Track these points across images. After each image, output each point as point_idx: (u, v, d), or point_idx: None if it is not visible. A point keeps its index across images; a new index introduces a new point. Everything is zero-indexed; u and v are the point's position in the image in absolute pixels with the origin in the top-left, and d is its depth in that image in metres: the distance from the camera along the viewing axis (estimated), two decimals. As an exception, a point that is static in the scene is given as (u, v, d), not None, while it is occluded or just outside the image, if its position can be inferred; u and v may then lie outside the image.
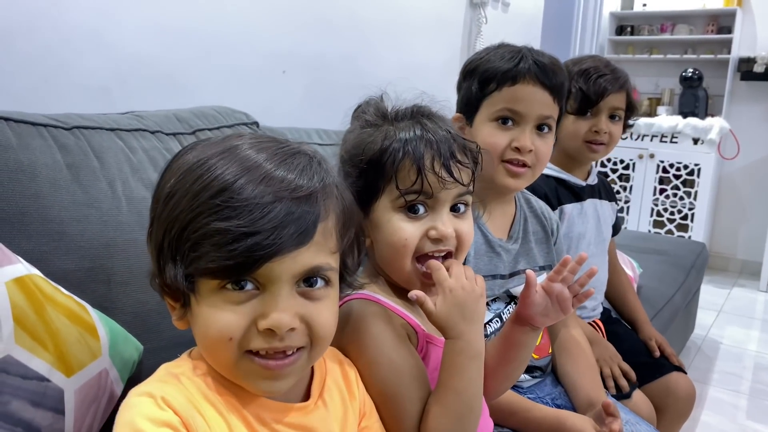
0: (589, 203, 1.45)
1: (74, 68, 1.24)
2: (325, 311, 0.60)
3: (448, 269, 0.72)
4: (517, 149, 1.01)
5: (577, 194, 1.43)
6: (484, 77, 1.03)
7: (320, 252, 0.58)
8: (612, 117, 1.40)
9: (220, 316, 0.55)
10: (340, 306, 0.74)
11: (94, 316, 0.81)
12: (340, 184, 0.64)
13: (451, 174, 0.73)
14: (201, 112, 1.26)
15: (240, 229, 0.53)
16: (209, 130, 1.21)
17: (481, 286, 0.73)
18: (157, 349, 0.93)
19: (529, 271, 0.80)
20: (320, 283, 0.60)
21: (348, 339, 0.72)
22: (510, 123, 1.02)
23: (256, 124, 1.36)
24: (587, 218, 1.43)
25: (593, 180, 1.49)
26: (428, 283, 0.73)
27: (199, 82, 1.49)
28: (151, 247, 0.59)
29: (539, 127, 1.03)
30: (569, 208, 1.39)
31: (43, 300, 0.73)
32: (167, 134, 1.13)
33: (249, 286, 0.56)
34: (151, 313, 0.94)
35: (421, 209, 0.74)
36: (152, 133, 1.10)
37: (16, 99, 1.11)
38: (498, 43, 1.08)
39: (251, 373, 0.57)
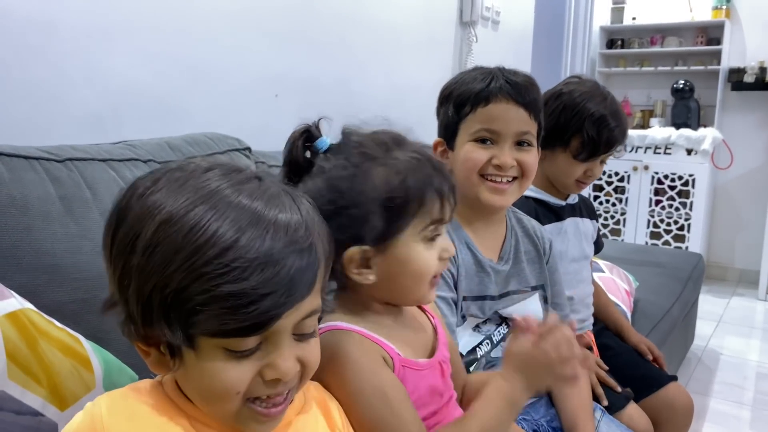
0: (570, 222, 1.46)
1: (66, 99, 1.25)
2: (315, 348, 0.61)
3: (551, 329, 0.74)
4: (499, 167, 1.02)
5: (557, 214, 1.44)
6: (458, 101, 1.05)
7: (316, 296, 0.59)
8: (602, 161, 1.42)
9: (227, 373, 0.54)
10: None
11: (88, 347, 0.81)
12: (315, 209, 0.62)
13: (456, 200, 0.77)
14: (193, 139, 1.27)
15: (256, 291, 0.51)
16: (201, 157, 1.22)
17: (571, 363, 0.74)
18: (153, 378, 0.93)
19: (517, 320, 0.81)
20: (311, 330, 0.60)
21: (327, 372, 0.71)
22: (488, 143, 1.03)
23: (249, 149, 1.37)
24: (567, 236, 1.44)
25: (573, 199, 1.50)
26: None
27: (191, 108, 1.50)
28: (132, 299, 0.54)
29: (520, 143, 1.04)
30: (548, 228, 1.40)
31: (36, 334, 0.73)
32: (160, 163, 1.13)
33: (253, 341, 0.55)
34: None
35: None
36: (145, 162, 1.11)
37: (7, 132, 1.11)
38: (472, 67, 1.11)
39: (251, 419, 0.58)
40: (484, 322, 1.06)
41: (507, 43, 2.85)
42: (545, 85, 1.44)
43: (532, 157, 1.05)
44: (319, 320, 0.67)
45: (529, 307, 1.10)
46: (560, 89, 1.41)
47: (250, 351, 0.55)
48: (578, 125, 1.34)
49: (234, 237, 0.51)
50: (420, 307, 0.87)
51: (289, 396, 0.59)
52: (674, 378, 1.44)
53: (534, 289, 1.12)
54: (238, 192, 0.55)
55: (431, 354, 0.82)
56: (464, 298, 1.03)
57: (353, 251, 0.72)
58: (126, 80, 1.36)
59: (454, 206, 0.77)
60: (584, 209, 1.54)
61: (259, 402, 0.57)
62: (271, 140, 1.61)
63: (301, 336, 0.58)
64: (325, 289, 0.63)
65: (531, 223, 1.19)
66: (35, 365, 0.71)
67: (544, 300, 1.13)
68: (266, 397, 0.57)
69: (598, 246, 1.60)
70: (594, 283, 1.64)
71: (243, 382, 0.55)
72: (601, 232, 1.68)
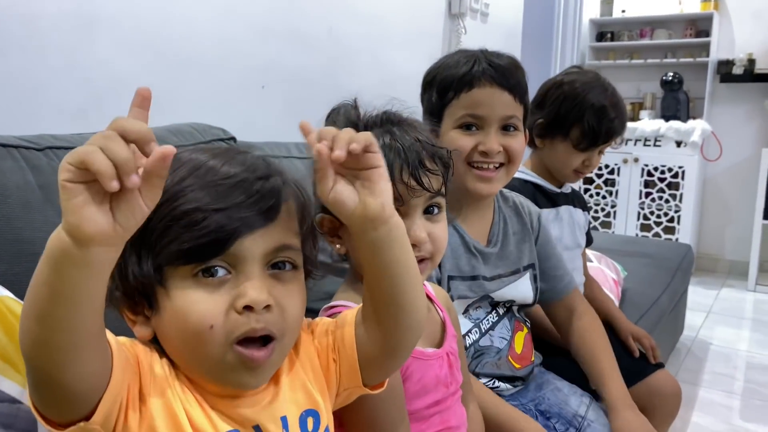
0: (564, 209, 1.48)
1: (49, 90, 1.24)
2: (295, 295, 0.59)
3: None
4: (485, 153, 1.00)
5: (553, 200, 1.46)
6: (441, 86, 1.03)
7: (287, 231, 0.59)
8: (600, 152, 1.44)
9: (197, 305, 0.54)
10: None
11: (68, 336, 0.80)
12: (290, 174, 0.62)
13: (420, 183, 0.72)
14: (177, 129, 1.26)
15: (210, 206, 0.54)
16: (185, 146, 1.21)
17: None
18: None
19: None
20: (288, 266, 0.59)
21: None
22: (474, 128, 1.01)
23: (234, 139, 1.36)
24: (563, 223, 1.46)
25: (567, 189, 1.51)
26: None
27: (177, 99, 1.49)
28: None
29: (505, 128, 1.02)
30: (545, 212, 1.40)
31: (14, 321, 0.72)
32: (142, 152, 1.12)
33: (221, 272, 0.55)
34: (127, 331, 0.92)
35: None
36: (127, 151, 1.09)
37: (-12, 122, 1.10)
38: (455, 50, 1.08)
39: (236, 367, 0.55)
40: (475, 308, 1.05)
41: (496, 35, 2.84)
42: (535, 78, 1.45)
43: (518, 142, 1.03)
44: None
45: (519, 288, 1.10)
46: (561, 79, 1.43)
47: (219, 282, 0.55)
48: (579, 115, 1.35)
49: (191, 167, 0.56)
50: (429, 299, 0.86)
51: (271, 347, 0.56)
52: (660, 365, 1.44)
53: (525, 269, 1.12)
54: (196, 153, 0.59)
55: (439, 345, 0.82)
56: (451, 278, 1.02)
57: (320, 216, 0.74)
58: (110, 71, 1.34)
59: (415, 190, 0.73)
60: (577, 200, 1.56)
61: (245, 345, 0.55)
62: (257, 131, 1.60)
63: (275, 276, 0.57)
64: (304, 247, 0.62)
65: (518, 198, 1.17)
66: (14, 353, 0.70)
67: (534, 279, 1.13)
68: (246, 341, 0.55)
69: (587, 240, 1.61)
70: (588, 275, 1.64)
71: (214, 313, 0.54)
72: (591, 225, 1.69)
